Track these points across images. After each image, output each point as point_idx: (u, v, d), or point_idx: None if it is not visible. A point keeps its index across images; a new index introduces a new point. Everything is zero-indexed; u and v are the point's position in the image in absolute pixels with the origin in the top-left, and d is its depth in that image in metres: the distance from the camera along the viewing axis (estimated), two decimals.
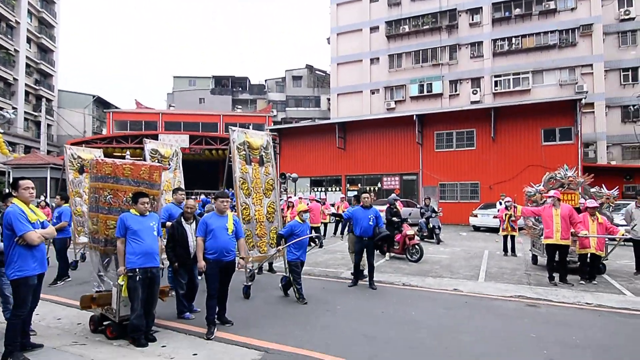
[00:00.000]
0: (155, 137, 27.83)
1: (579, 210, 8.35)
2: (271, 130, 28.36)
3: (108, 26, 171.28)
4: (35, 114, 41.02)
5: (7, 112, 15.83)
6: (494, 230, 14.27)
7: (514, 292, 6.94)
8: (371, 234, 7.14)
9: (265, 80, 50.29)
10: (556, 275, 7.53)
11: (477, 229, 17.90)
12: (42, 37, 42.51)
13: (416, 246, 9.98)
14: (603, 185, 8.81)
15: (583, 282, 7.58)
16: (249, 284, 6.71)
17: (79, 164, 9.93)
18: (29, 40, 40.85)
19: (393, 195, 11.50)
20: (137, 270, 4.55)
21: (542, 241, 7.88)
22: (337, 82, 35.12)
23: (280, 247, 6.70)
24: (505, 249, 11.00)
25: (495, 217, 14.58)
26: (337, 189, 25.42)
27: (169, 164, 9.46)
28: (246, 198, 7.34)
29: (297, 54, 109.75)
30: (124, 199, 4.96)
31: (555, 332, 5.00)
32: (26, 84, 39.85)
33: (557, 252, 7.56)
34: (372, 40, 33.43)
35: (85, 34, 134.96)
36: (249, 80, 50.34)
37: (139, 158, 30.33)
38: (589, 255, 7.75)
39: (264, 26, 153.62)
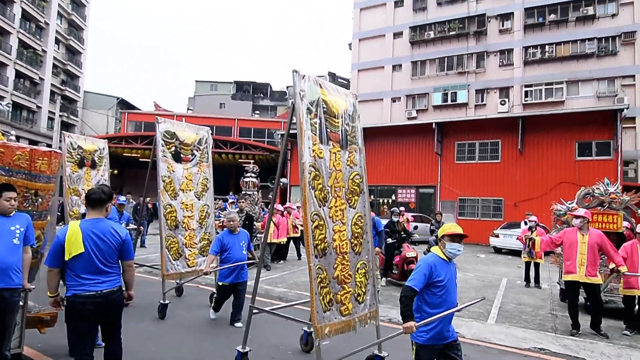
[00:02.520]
0: None
1: (622, 238, 6.54)
2: (282, 135, 27.19)
3: (135, 30, 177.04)
4: (60, 113, 41.61)
5: (1, 103, 15.05)
6: (518, 253, 12.39)
7: (532, 342, 5.23)
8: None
9: (287, 87, 49.60)
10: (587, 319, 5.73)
11: (498, 250, 15.93)
12: (71, 39, 43.25)
13: None
14: None
15: (628, 332, 5.73)
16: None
17: (79, 156, 8.27)
18: (57, 42, 41.57)
19: (394, 208, 9.87)
20: None
21: (562, 277, 6.00)
22: (357, 88, 33.66)
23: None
24: (527, 279, 9.18)
25: (518, 238, 12.70)
26: None
27: (193, 154, 6.95)
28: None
29: (319, 61, 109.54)
30: None
31: None
32: (52, 84, 40.43)
33: (585, 292, 5.77)
34: (395, 46, 31.95)
35: (113, 36, 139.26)
36: (271, 87, 49.77)
37: (148, 159, 29.92)
38: (637, 298, 5.91)
39: (287, 33, 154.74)
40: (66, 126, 39.96)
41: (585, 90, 25.25)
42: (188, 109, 47.37)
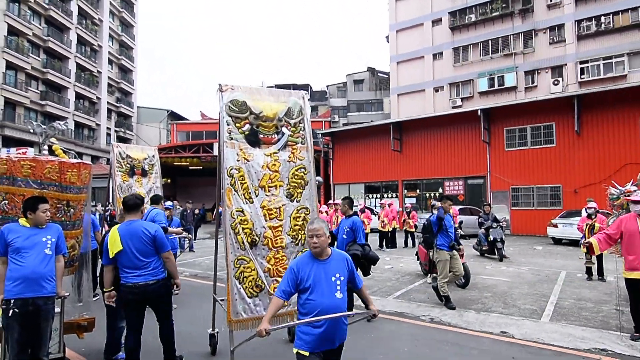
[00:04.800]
0: (210, 146, 28.10)
1: None
2: (323, 134, 27.14)
3: (178, 39, 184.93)
4: (116, 129, 44.48)
5: (59, 123, 16.08)
6: (579, 244, 11.38)
7: (593, 343, 4.70)
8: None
9: (327, 86, 49.61)
10: None
11: (557, 241, 14.79)
12: (123, 59, 46.08)
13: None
14: None
15: None
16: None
17: (128, 164, 8.53)
18: (110, 62, 44.44)
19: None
20: (12, 301, 3.38)
21: (623, 274, 5.02)
22: (397, 81, 32.95)
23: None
24: (588, 271, 8.38)
25: (578, 227, 11.71)
26: (394, 195, 23.29)
27: (279, 131, 4.63)
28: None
29: (357, 57, 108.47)
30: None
31: None
32: (108, 102, 43.28)
33: None
34: (434, 34, 30.82)
35: (160, 48, 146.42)
36: (311, 87, 49.91)
37: (197, 167, 31.12)
38: None
39: (324, 32, 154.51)
40: (123, 140, 42.62)
41: None
42: None
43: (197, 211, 19.06)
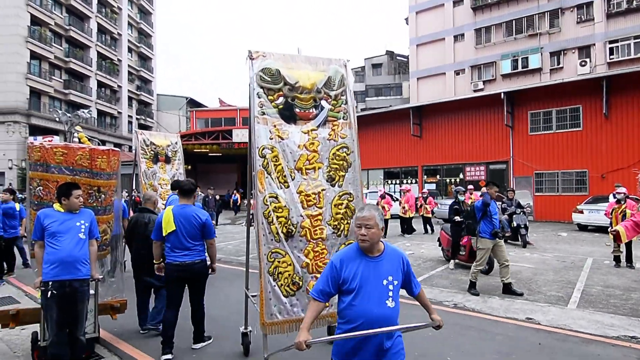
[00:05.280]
0: (229, 133, 28.31)
1: None
2: None
3: (194, 34, 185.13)
4: (137, 117, 45.21)
5: (84, 111, 16.59)
6: (606, 230, 11.11)
7: (622, 330, 4.62)
8: None
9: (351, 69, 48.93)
10: None
11: (582, 228, 14.45)
12: (142, 47, 46.52)
13: None
14: None
15: None
16: None
17: (152, 152, 8.64)
18: (130, 50, 44.95)
19: (459, 187, 9.29)
20: (50, 283, 3.52)
21: None
22: (417, 65, 32.35)
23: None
24: (616, 259, 8.18)
25: (605, 213, 11.40)
26: (414, 181, 23.09)
27: (317, 105, 3.96)
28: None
29: (376, 41, 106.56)
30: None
31: None
32: (129, 90, 43.94)
33: None
34: (455, 15, 30.01)
35: (175, 43, 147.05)
36: None
37: (216, 154, 31.46)
38: None
39: (341, 19, 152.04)
40: (144, 128, 43.34)
41: None
42: None
43: (218, 197, 19.36)
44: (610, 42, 23.78)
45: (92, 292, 3.96)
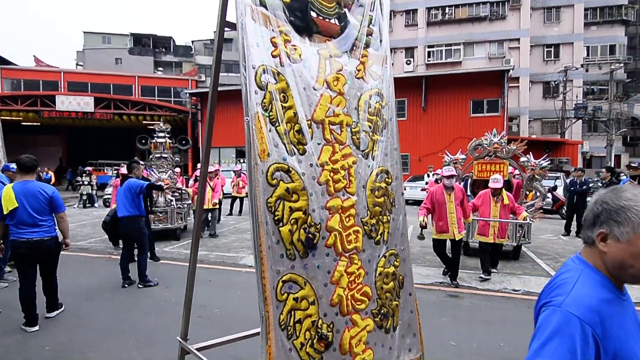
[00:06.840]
0: (51, 99, 23.99)
1: (509, 185, 7.50)
2: (191, 94, 25.72)
3: None
4: None
5: None
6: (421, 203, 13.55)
7: (434, 279, 5.92)
8: None
9: (192, 42, 46.20)
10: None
11: (405, 202, 17.33)
12: None
13: None
14: (530, 154, 8.05)
15: (484, 276, 6.01)
16: None
17: None
18: None
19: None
20: None
21: (432, 235, 5.98)
22: None
23: None
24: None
25: (423, 189, 13.92)
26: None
27: (343, 20, 2.14)
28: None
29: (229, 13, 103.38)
30: None
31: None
32: None
33: (451, 248, 5.86)
34: None
35: None
36: (174, 41, 45.93)
37: (33, 123, 26.29)
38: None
39: None
40: None
41: (480, 52, 27.61)
42: (77, 64, 41.94)
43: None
44: (429, 46, 28.40)
45: None
